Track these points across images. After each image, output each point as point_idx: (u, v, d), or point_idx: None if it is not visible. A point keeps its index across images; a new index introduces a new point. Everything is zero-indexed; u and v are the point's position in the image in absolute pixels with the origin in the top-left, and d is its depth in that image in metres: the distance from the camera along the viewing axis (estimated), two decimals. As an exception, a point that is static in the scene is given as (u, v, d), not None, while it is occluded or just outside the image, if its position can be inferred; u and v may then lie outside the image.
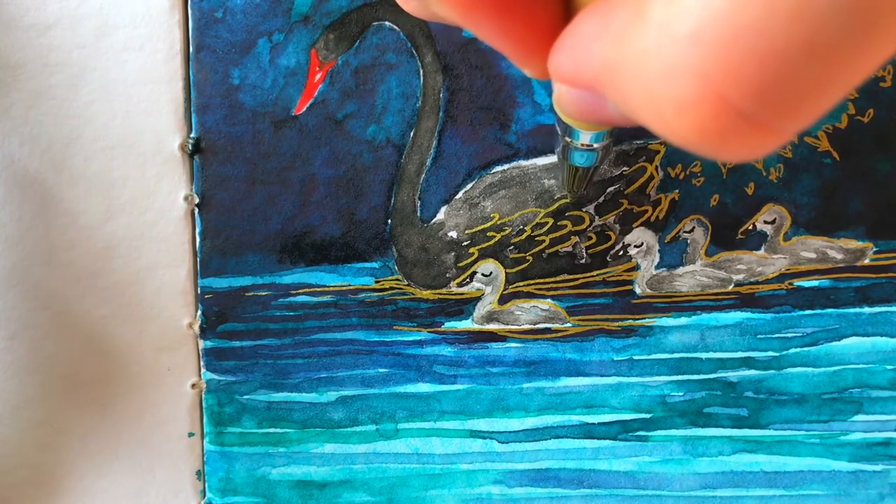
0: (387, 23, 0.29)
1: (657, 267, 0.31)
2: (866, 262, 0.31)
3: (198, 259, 0.31)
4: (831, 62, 0.10)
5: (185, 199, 0.31)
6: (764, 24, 0.10)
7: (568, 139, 0.24)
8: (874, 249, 0.30)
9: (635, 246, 0.31)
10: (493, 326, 0.31)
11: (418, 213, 0.31)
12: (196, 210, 0.31)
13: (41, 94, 0.30)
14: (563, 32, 0.14)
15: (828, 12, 0.10)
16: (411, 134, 0.30)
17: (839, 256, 0.31)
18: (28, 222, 0.31)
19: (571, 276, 0.31)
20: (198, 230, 0.31)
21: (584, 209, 0.31)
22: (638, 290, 0.31)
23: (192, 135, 0.30)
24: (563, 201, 0.30)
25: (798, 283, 0.31)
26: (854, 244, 0.31)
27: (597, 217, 0.31)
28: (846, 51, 0.10)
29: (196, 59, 0.30)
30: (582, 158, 0.25)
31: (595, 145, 0.24)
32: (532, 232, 0.31)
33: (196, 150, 0.30)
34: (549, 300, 0.31)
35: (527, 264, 0.31)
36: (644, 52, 0.11)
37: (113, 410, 0.32)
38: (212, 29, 0.29)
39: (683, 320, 0.31)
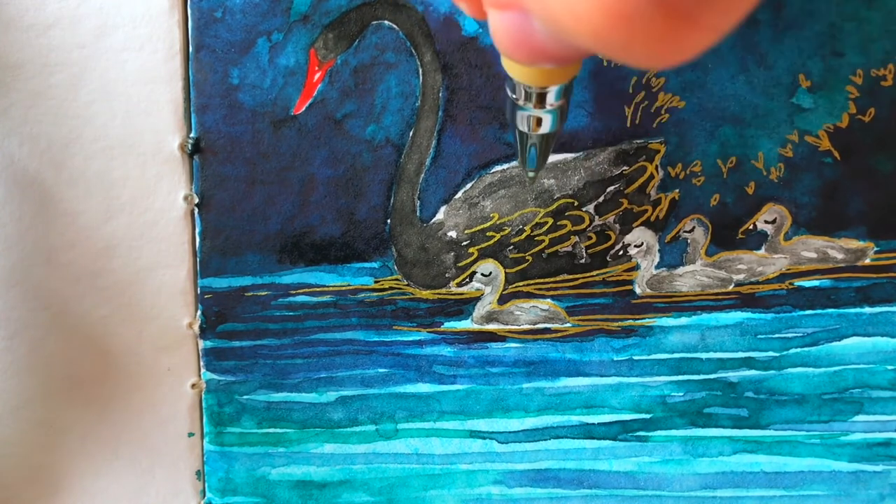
0: (386, 22, 0.29)
1: (657, 267, 0.31)
2: (867, 261, 0.30)
3: (198, 259, 0.31)
4: None
5: (185, 198, 0.30)
6: None
7: (520, 101, 0.23)
8: (875, 249, 0.30)
9: (635, 246, 0.31)
10: (492, 326, 0.31)
11: (418, 213, 0.30)
12: (196, 210, 0.30)
13: (41, 94, 0.30)
14: None
15: None
16: (410, 133, 0.30)
17: (840, 256, 0.30)
18: (28, 222, 0.30)
19: (571, 276, 0.31)
20: (197, 230, 0.30)
21: (583, 209, 0.30)
22: (638, 290, 0.31)
23: (192, 135, 0.30)
24: (563, 200, 0.30)
25: (799, 283, 0.31)
26: (855, 244, 0.30)
27: (596, 217, 0.30)
28: None
29: (196, 59, 0.29)
30: (535, 123, 0.23)
31: (549, 105, 0.23)
32: (532, 232, 0.31)
33: (196, 150, 0.30)
34: (548, 300, 0.31)
35: (526, 264, 0.31)
36: None
37: (113, 410, 0.32)
38: (211, 28, 0.29)
39: (684, 320, 0.31)
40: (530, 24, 0.14)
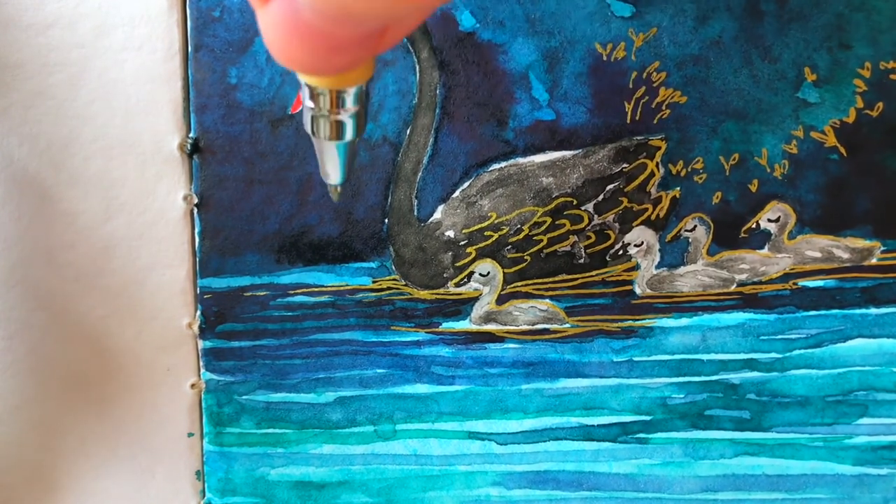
0: (382, 19, 0.28)
1: (658, 266, 0.30)
2: (873, 261, 0.30)
3: (197, 259, 0.30)
4: None
5: (184, 198, 0.30)
6: None
7: (316, 108, 0.21)
8: (882, 248, 0.30)
9: (635, 245, 0.30)
10: (490, 327, 0.31)
11: (415, 213, 0.30)
12: (195, 210, 0.30)
13: (40, 93, 0.29)
14: None
15: None
16: (408, 131, 0.29)
17: (845, 256, 0.30)
18: (27, 222, 0.30)
19: (570, 276, 0.30)
20: (197, 230, 0.30)
21: (582, 207, 0.30)
22: (638, 291, 0.30)
23: (191, 134, 0.29)
24: (562, 199, 0.30)
25: (803, 283, 0.30)
26: (861, 243, 0.30)
27: (596, 216, 0.30)
28: None
29: (195, 59, 0.29)
30: (332, 131, 0.21)
31: (347, 108, 0.21)
32: (530, 231, 0.30)
33: (195, 150, 0.29)
34: (547, 300, 0.30)
35: (525, 264, 0.30)
36: None
37: (112, 410, 0.31)
38: (210, 28, 0.29)
39: (684, 321, 0.30)
40: (296, 5, 0.13)
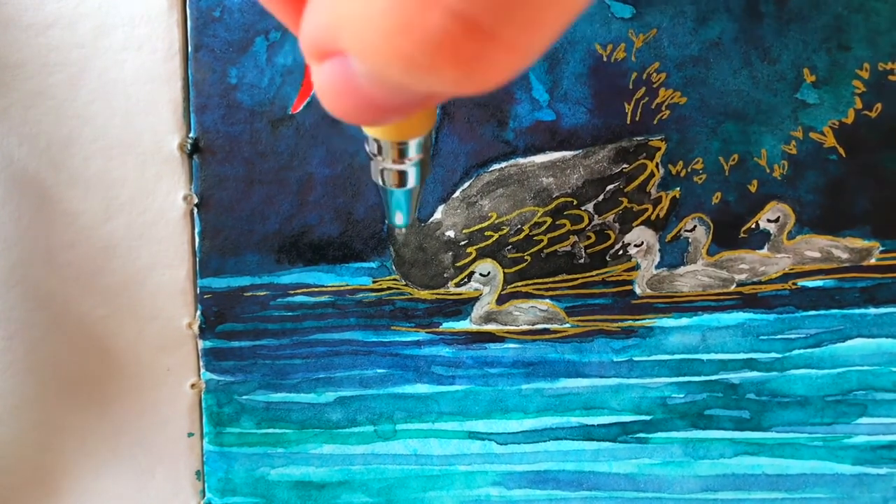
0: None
1: (657, 266, 0.30)
2: (872, 261, 0.30)
3: (197, 259, 0.30)
4: None
5: (184, 198, 0.30)
6: None
7: (379, 157, 0.21)
8: (880, 249, 0.30)
9: (635, 245, 0.30)
10: (491, 327, 0.30)
11: (416, 213, 0.30)
12: (195, 210, 0.30)
13: (40, 93, 0.29)
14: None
15: None
16: None
17: (844, 256, 0.30)
18: (27, 222, 0.30)
19: (570, 276, 0.30)
20: (197, 230, 0.30)
21: (583, 208, 0.30)
22: (638, 291, 0.30)
23: (191, 134, 0.29)
24: (562, 199, 0.30)
25: (802, 283, 0.30)
26: (860, 243, 0.30)
27: (596, 216, 0.30)
28: None
29: (195, 59, 0.29)
30: (397, 180, 0.22)
31: (411, 157, 0.21)
32: (530, 231, 0.30)
33: (195, 150, 0.29)
34: (547, 300, 0.30)
35: (525, 264, 0.30)
36: None
37: (112, 410, 0.31)
38: (210, 28, 0.29)
39: (684, 321, 0.30)
40: (352, 70, 0.13)
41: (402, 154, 0.21)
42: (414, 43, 0.11)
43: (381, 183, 0.22)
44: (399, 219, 0.24)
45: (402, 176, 0.21)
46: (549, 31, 0.11)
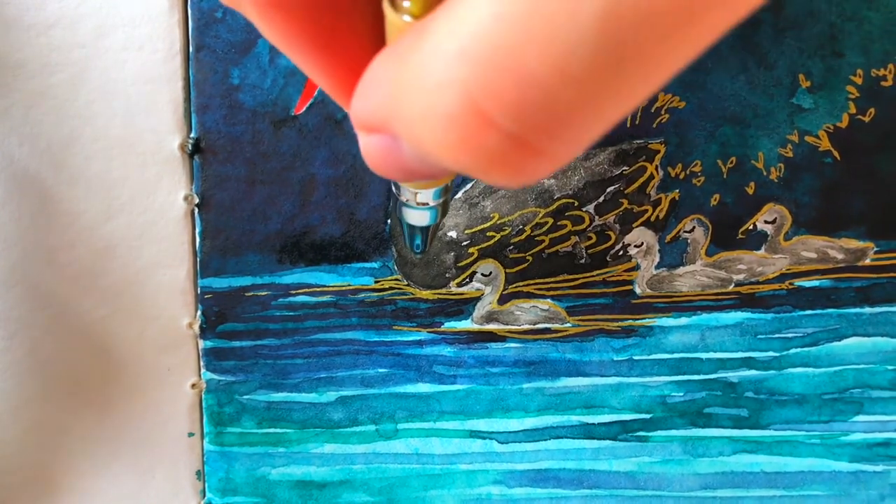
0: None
1: (657, 267, 0.31)
2: (867, 262, 0.30)
3: (198, 259, 0.31)
4: (585, 90, 0.11)
5: (185, 198, 0.30)
6: (521, 47, 0.11)
7: (403, 198, 0.23)
8: (875, 249, 0.30)
9: (635, 246, 0.30)
10: (492, 326, 0.31)
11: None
12: (196, 210, 0.30)
13: (41, 93, 0.29)
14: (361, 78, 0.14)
15: (576, 43, 0.10)
16: None
17: (840, 256, 0.30)
18: (28, 222, 0.30)
19: (571, 276, 0.31)
20: (198, 230, 0.30)
21: (583, 209, 0.30)
22: (638, 290, 0.31)
23: (192, 135, 0.30)
24: (564, 201, 0.30)
25: (799, 283, 0.31)
26: (855, 244, 0.30)
27: (597, 217, 0.30)
28: (598, 81, 0.11)
29: (196, 59, 0.29)
30: (418, 218, 0.24)
31: (431, 203, 0.23)
32: (532, 232, 0.30)
33: (196, 150, 0.30)
34: (548, 300, 0.31)
35: (526, 264, 0.31)
36: (420, 70, 0.12)
37: (113, 410, 0.32)
38: (212, 29, 0.29)
39: (684, 320, 0.31)
40: (399, 147, 0.14)
41: (424, 197, 0.23)
42: (468, 153, 0.12)
43: (402, 218, 0.24)
44: (416, 247, 0.26)
45: (422, 216, 0.23)
46: (588, 143, 0.12)
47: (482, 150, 0.12)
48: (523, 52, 0.11)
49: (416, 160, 0.14)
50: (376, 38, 0.15)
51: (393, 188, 0.24)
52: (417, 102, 0.12)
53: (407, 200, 0.23)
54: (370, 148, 0.15)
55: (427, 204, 0.23)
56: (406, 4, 0.13)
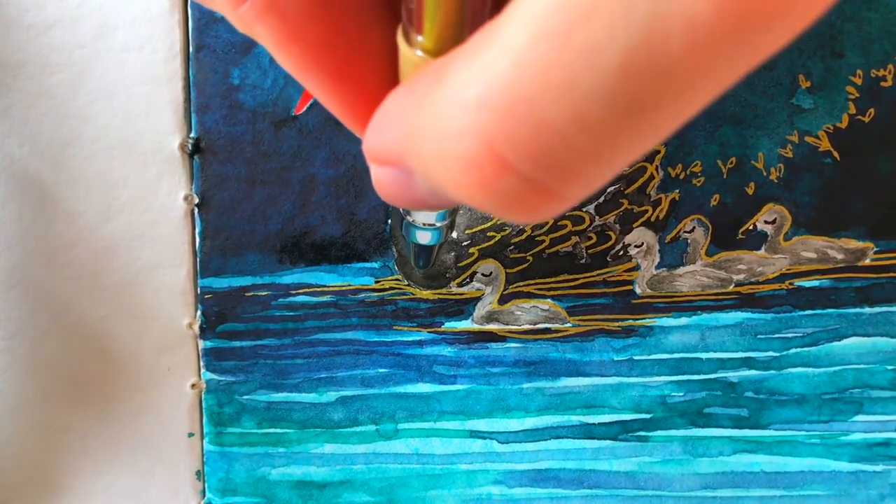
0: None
1: (657, 267, 0.31)
2: (867, 262, 0.30)
3: (198, 259, 0.31)
4: (601, 137, 0.11)
5: (185, 198, 0.30)
6: (539, 96, 0.11)
7: (409, 217, 0.24)
8: (875, 249, 0.30)
9: (635, 246, 0.31)
10: (493, 326, 0.31)
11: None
12: (196, 210, 0.30)
13: (41, 94, 0.30)
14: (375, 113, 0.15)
15: (593, 94, 0.11)
16: None
17: (840, 256, 0.31)
18: (28, 222, 0.30)
19: (571, 276, 0.31)
20: (198, 230, 0.30)
21: (584, 209, 0.30)
22: (638, 291, 0.31)
23: (192, 135, 0.30)
24: None
25: (798, 283, 0.31)
26: (855, 244, 0.30)
27: (597, 217, 0.30)
28: (614, 129, 0.11)
29: (196, 59, 0.29)
30: (423, 237, 0.25)
31: (436, 224, 0.24)
32: (532, 232, 0.31)
33: (196, 150, 0.30)
34: (549, 300, 0.31)
35: (527, 264, 0.31)
36: (439, 115, 0.12)
37: (113, 410, 0.32)
38: (212, 29, 0.29)
39: (684, 320, 0.31)
40: (412, 180, 0.15)
41: (429, 219, 0.23)
42: (486, 195, 0.12)
43: (406, 237, 0.24)
44: (420, 266, 0.27)
45: (427, 236, 0.24)
46: (603, 184, 0.12)
47: (500, 192, 0.12)
48: (542, 101, 0.11)
49: (428, 194, 0.15)
50: (390, 69, 0.16)
51: (399, 208, 0.24)
52: (435, 144, 0.12)
53: (413, 221, 0.24)
54: (382, 179, 0.15)
55: (433, 225, 0.24)
56: (419, 39, 0.14)
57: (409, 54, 0.14)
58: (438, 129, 0.12)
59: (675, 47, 0.10)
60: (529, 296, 0.31)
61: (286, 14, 0.15)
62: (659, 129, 0.11)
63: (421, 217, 0.23)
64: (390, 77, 0.16)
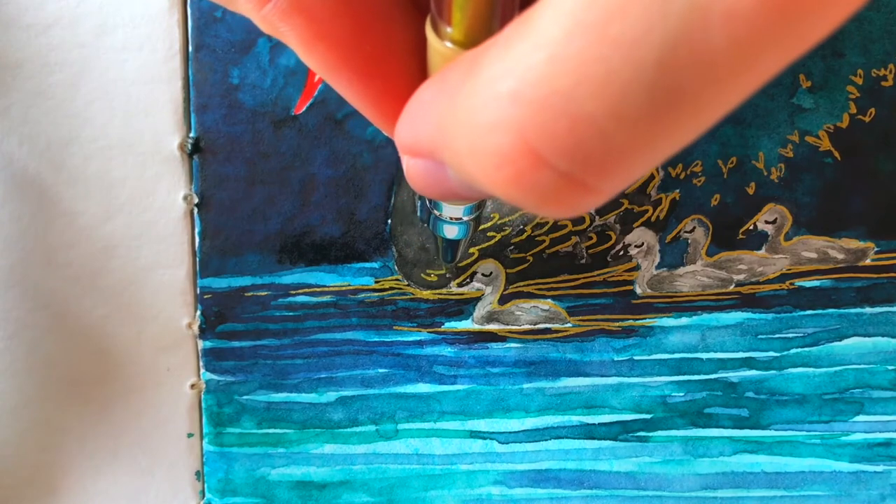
0: (387, 22, 0.29)
1: (658, 267, 0.31)
2: (868, 262, 0.30)
3: (197, 259, 0.31)
4: (639, 131, 0.11)
5: (185, 198, 0.30)
6: (575, 90, 0.11)
7: (436, 212, 0.24)
8: (875, 249, 0.30)
9: (636, 246, 0.31)
10: (493, 327, 0.31)
11: (418, 213, 0.30)
12: (195, 210, 0.30)
13: (40, 93, 0.30)
14: (406, 104, 0.15)
15: (631, 88, 0.11)
16: None
17: (840, 256, 0.31)
18: (27, 222, 0.30)
19: (572, 277, 0.31)
20: (197, 230, 0.31)
21: None
22: (638, 291, 0.31)
23: (192, 134, 0.30)
24: None
25: (799, 283, 0.31)
26: (855, 244, 0.30)
27: (597, 217, 0.30)
28: (652, 123, 0.11)
29: (195, 59, 0.29)
30: (451, 231, 0.25)
31: (464, 218, 0.24)
32: (532, 232, 0.31)
33: (195, 150, 0.30)
34: (549, 300, 0.31)
35: (527, 264, 0.31)
36: (472, 108, 0.12)
37: (112, 411, 0.32)
38: (211, 28, 0.29)
39: (684, 320, 0.31)
40: (444, 172, 0.15)
41: (457, 213, 0.23)
42: (520, 189, 0.12)
43: (434, 231, 0.24)
44: (447, 259, 0.27)
45: (454, 230, 0.24)
46: (638, 178, 0.12)
47: (535, 187, 0.12)
48: (578, 95, 0.11)
49: (461, 185, 0.15)
50: (416, 65, 0.16)
51: (427, 203, 0.24)
52: (468, 138, 0.12)
53: (440, 215, 0.24)
54: (414, 171, 0.15)
55: (460, 219, 0.24)
56: (449, 30, 0.14)
57: (438, 46, 0.14)
58: (471, 123, 0.12)
59: (715, 40, 0.10)
60: (530, 296, 0.31)
61: (311, 13, 0.15)
62: (698, 122, 0.11)
63: (448, 211, 0.23)
64: (417, 73, 0.16)
